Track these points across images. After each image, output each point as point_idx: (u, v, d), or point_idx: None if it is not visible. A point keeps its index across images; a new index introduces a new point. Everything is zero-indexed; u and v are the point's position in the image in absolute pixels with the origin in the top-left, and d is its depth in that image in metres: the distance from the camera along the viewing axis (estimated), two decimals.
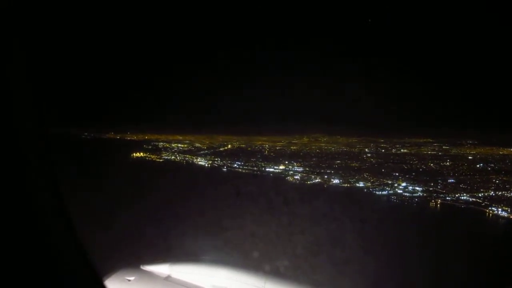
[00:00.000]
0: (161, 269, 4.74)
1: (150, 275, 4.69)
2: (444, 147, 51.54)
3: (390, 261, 21.80)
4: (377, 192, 41.97)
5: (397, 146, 53.15)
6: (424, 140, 54.60)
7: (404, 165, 47.62)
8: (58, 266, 2.16)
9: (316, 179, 45.94)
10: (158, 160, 50.46)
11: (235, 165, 50.16)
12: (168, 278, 4.62)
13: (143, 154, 51.48)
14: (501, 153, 48.42)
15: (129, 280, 4.47)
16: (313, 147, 55.69)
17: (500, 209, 34.87)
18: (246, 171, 48.57)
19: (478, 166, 45.35)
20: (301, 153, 53.58)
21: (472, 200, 37.61)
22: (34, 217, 2.07)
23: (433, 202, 38.60)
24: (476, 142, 51.33)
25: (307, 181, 45.67)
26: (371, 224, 30.92)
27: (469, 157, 48.08)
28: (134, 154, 50.87)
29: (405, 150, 52.12)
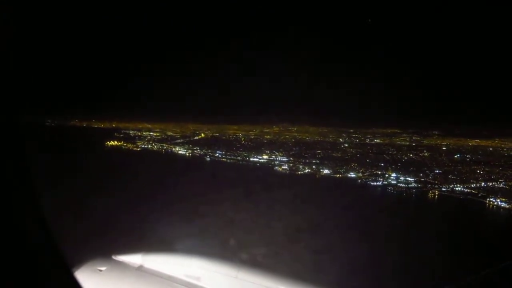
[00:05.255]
0: (133, 259, 4.64)
1: (122, 265, 4.59)
2: (414, 138, 53.01)
3: (410, 252, 22.01)
4: (372, 183, 42.25)
5: (369, 136, 53.91)
6: (391, 130, 55.81)
7: (385, 156, 48.51)
8: (27, 256, 2.13)
9: (305, 169, 45.33)
10: (135, 149, 46.87)
11: (217, 154, 48.10)
12: (140, 268, 4.53)
13: (117, 142, 47.43)
14: (470, 144, 50.78)
15: (101, 271, 4.35)
16: (287, 136, 55.15)
17: (498, 200, 36.54)
18: (231, 160, 46.72)
19: (456, 157, 47.26)
20: (278, 142, 52.73)
21: (468, 191, 39.06)
22: (3, 206, 2.04)
23: (431, 193, 39.60)
24: (442, 133, 53.45)
25: (297, 172, 44.94)
26: (383, 216, 31.23)
27: (443, 148, 50.05)
28: (108, 142, 46.72)
29: (379, 141, 53.05)
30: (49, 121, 47.50)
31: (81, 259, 4.33)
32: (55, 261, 2.38)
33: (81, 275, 3.95)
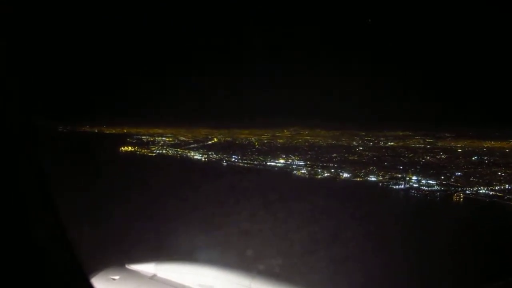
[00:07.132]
0: (147, 268, 4.65)
1: (136, 274, 4.60)
2: (428, 140, 52.58)
3: (445, 254, 21.60)
4: (394, 186, 41.73)
5: (381, 139, 53.40)
6: (403, 133, 55.38)
7: (402, 158, 48.03)
8: (44, 263, 2.15)
9: (324, 173, 44.72)
10: (150, 154, 46.10)
11: (233, 159, 47.37)
12: (153, 277, 4.53)
13: (132, 148, 46.61)
14: (485, 146, 50.33)
15: (114, 279, 4.37)
16: (300, 140, 54.59)
17: None
18: (248, 165, 45.94)
19: (473, 159, 46.79)
20: (292, 147, 52.10)
21: (492, 194, 38.64)
22: (21, 213, 2.06)
23: (456, 196, 39.07)
24: (454, 135, 53.03)
25: (317, 175, 44.32)
26: (414, 220, 30.82)
27: (459, 150, 49.57)
28: (122, 148, 45.92)
29: (393, 143, 52.53)
30: (60, 127, 46.46)
31: (95, 268, 4.32)
32: (72, 269, 2.38)
33: (95, 283, 3.81)
